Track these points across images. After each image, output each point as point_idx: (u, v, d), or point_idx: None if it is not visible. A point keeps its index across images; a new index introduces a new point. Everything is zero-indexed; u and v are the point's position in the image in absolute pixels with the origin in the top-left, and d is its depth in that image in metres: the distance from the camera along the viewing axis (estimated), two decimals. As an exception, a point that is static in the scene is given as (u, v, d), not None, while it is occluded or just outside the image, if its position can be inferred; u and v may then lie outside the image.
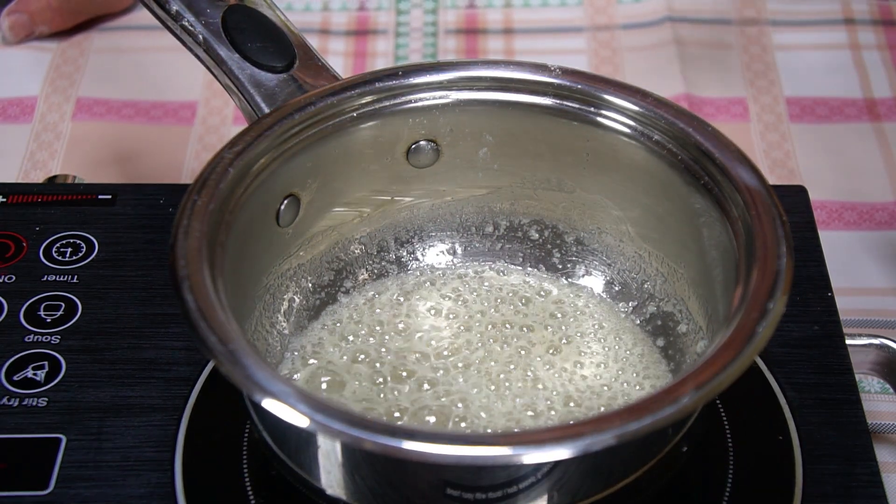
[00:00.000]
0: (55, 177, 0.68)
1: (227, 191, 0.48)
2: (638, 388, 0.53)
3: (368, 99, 0.53)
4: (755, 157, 0.75)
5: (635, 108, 0.53)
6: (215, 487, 0.52)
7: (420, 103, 0.54)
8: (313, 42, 0.76)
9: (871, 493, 0.51)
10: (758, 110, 0.78)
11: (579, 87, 0.53)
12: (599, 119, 0.53)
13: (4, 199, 0.63)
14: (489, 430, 0.50)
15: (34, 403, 0.54)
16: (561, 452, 0.41)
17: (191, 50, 0.56)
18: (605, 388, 0.53)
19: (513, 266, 0.58)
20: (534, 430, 0.45)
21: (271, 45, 0.55)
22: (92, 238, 0.61)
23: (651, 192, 0.54)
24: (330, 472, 0.46)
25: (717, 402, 0.54)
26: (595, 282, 0.57)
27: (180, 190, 0.64)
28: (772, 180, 0.73)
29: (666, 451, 0.47)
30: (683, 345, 0.54)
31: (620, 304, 0.56)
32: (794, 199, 0.63)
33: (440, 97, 0.54)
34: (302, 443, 0.47)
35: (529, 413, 0.51)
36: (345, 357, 0.54)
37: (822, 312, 0.58)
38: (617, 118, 0.53)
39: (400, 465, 0.44)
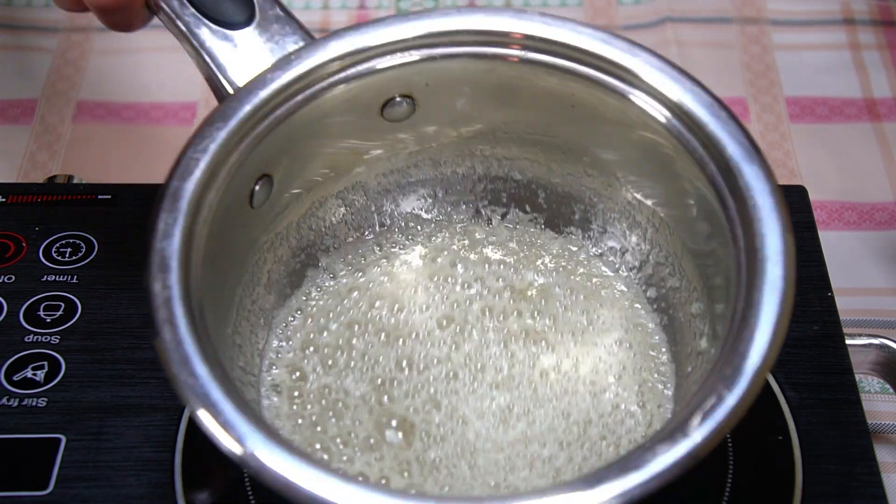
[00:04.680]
0: (55, 177, 0.68)
1: (197, 195, 0.46)
2: (628, 347, 0.53)
3: (337, 65, 0.50)
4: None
5: (621, 62, 0.50)
6: (215, 487, 0.52)
7: (394, 61, 0.51)
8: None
9: (871, 493, 0.51)
10: (758, 110, 0.78)
11: (565, 40, 0.51)
12: (593, 74, 0.51)
13: (4, 199, 0.63)
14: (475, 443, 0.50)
15: (34, 403, 0.54)
16: None
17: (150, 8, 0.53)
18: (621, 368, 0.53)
19: (498, 208, 0.58)
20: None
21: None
22: (92, 238, 0.61)
23: (639, 145, 0.52)
24: None
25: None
26: (579, 229, 0.57)
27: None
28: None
29: None
30: (676, 300, 0.53)
31: (612, 258, 0.56)
32: (794, 199, 0.63)
33: (414, 54, 0.51)
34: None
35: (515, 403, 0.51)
36: (334, 326, 0.54)
37: (822, 312, 0.58)
38: (629, 91, 0.50)
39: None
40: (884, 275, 0.68)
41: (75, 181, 0.67)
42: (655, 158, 0.51)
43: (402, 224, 0.58)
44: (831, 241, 0.67)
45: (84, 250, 0.60)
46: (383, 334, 0.54)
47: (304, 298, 0.55)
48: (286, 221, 0.54)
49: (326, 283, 0.56)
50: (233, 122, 0.48)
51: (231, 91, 0.50)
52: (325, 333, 0.54)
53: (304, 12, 0.85)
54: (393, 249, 0.57)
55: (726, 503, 0.51)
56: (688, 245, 0.52)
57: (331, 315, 0.55)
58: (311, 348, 0.53)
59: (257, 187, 0.50)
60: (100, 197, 0.63)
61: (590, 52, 0.50)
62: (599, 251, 0.57)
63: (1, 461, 0.52)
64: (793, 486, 0.51)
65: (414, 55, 0.51)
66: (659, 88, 0.49)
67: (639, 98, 0.50)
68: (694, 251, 0.52)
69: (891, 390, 0.59)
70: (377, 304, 0.55)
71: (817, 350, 0.56)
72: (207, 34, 0.51)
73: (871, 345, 0.58)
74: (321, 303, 0.55)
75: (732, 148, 0.48)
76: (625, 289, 0.55)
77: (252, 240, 0.52)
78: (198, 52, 0.51)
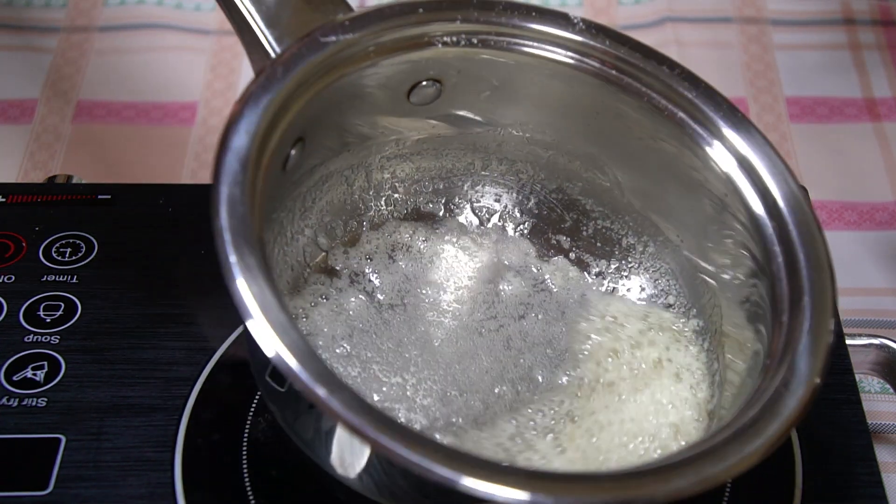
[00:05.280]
0: (55, 177, 0.68)
1: (254, 157, 0.45)
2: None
3: (384, 38, 0.50)
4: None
5: (663, 78, 0.52)
6: (215, 487, 0.52)
7: (434, 43, 0.51)
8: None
9: (871, 493, 0.51)
10: (758, 110, 0.78)
11: (599, 45, 0.52)
12: (626, 81, 0.52)
13: (4, 199, 0.63)
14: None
15: (34, 403, 0.54)
16: None
17: None
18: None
19: (504, 192, 0.58)
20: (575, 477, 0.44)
21: None
22: (92, 238, 0.61)
23: (657, 163, 0.53)
24: (356, 473, 0.46)
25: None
26: (597, 234, 0.57)
27: (180, 190, 0.64)
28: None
29: None
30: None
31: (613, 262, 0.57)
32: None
33: (456, 39, 0.52)
34: (317, 427, 0.46)
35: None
36: (364, 302, 0.54)
37: (823, 312, 0.58)
38: (642, 89, 0.52)
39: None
40: (884, 275, 0.68)
41: (75, 181, 0.67)
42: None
43: (402, 208, 0.58)
44: (831, 241, 0.67)
45: (84, 250, 0.60)
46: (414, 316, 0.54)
47: (332, 280, 0.55)
48: (312, 198, 0.54)
49: (353, 265, 0.56)
50: (279, 87, 0.47)
51: (273, 55, 0.49)
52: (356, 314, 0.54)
53: (304, 12, 0.85)
54: (407, 232, 0.57)
55: (726, 503, 0.51)
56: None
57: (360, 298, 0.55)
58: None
59: (293, 151, 0.50)
60: (100, 197, 0.63)
61: (651, 72, 0.52)
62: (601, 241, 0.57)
63: (1, 461, 0.52)
64: (793, 486, 0.51)
65: (454, 39, 0.52)
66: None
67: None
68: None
69: (891, 390, 0.59)
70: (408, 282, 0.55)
71: (817, 350, 0.56)
72: None
73: (871, 345, 0.58)
74: (351, 286, 0.55)
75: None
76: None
77: (280, 199, 0.52)
78: (242, 15, 0.50)
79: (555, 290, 0.56)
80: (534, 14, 0.52)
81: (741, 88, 0.79)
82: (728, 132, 0.51)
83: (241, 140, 0.45)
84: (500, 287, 0.56)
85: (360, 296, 0.54)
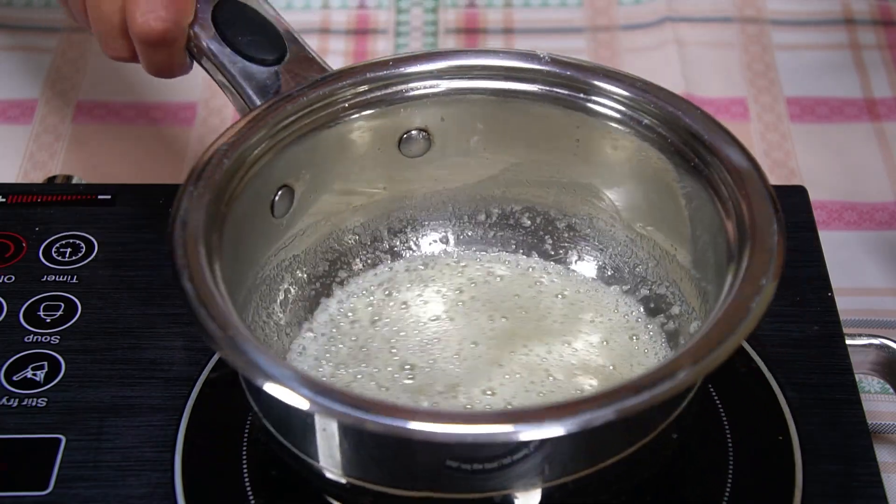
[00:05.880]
0: (55, 177, 0.68)
1: (222, 182, 0.49)
2: (639, 366, 0.53)
3: (361, 89, 0.54)
4: (755, 157, 0.74)
5: (625, 93, 0.53)
6: (215, 487, 0.52)
7: (412, 93, 0.54)
8: (313, 41, 0.76)
9: (871, 493, 0.51)
10: (758, 110, 0.78)
11: (568, 73, 0.54)
12: (589, 105, 0.54)
13: (4, 199, 0.63)
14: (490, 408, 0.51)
15: (34, 403, 0.54)
16: (558, 429, 0.41)
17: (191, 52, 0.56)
18: (609, 367, 0.53)
19: (506, 254, 0.58)
20: (533, 407, 0.45)
21: (262, 38, 0.55)
22: (92, 238, 0.61)
23: (642, 176, 0.54)
24: (330, 454, 0.46)
25: (718, 402, 0.54)
26: (587, 267, 0.57)
27: (180, 190, 0.64)
28: (772, 180, 0.73)
29: (658, 431, 0.47)
30: (678, 325, 0.54)
31: (613, 288, 0.57)
32: (794, 199, 0.63)
33: (431, 86, 0.54)
34: (303, 425, 0.47)
35: (535, 393, 0.52)
36: (343, 350, 0.54)
37: (822, 312, 0.58)
38: (607, 104, 0.53)
39: (397, 444, 0.45)
40: (884, 275, 0.68)
41: (75, 181, 0.67)
42: (657, 184, 0.53)
43: (415, 262, 0.58)
44: (831, 241, 0.67)
45: (84, 250, 0.60)
46: (398, 362, 0.54)
47: (317, 322, 0.56)
48: (304, 246, 0.55)
49: (338, 315, 0.56)
50: (260, 124, 0.51)
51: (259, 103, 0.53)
52: (337, 359, 0.54)
53: (304, 12, 0.85)
54: (404, 285, 0.57)
55: (726, 503, 0.51)
56: (688, 269, 0.53)
57: (341, 342, 0.55)
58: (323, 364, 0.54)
59: (277, 197, 0.53)
60: (100, 197, 0.63)
61: (593, 84, 0.53)
62: (603, 281, 0.57)
63: (1, 461, 0.52)
64: (793, 486, 0.51)
65: (431, 89, 0.55)
66: (664, 114, 0.52)
67: (641, 126, 0.53)
68: (690, 272, 0.53)
69: (891, 390, 0.59)
70: (388, 334, 0.55)
71: (817, 350, 0.56)
72: (241, 69, 0.54)
73: (871, 345, 0.58)
74: (333, 330, 0.55)
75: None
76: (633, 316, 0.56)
77: (271, 253, 0.54)
78: (231, 85, 0.54)
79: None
80: (502, 54, 0.55)
81: (741, 88, 0.79)
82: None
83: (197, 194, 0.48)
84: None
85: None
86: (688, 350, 0.43)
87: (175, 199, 0.48)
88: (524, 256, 0.58)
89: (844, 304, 0.59)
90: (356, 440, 0.46)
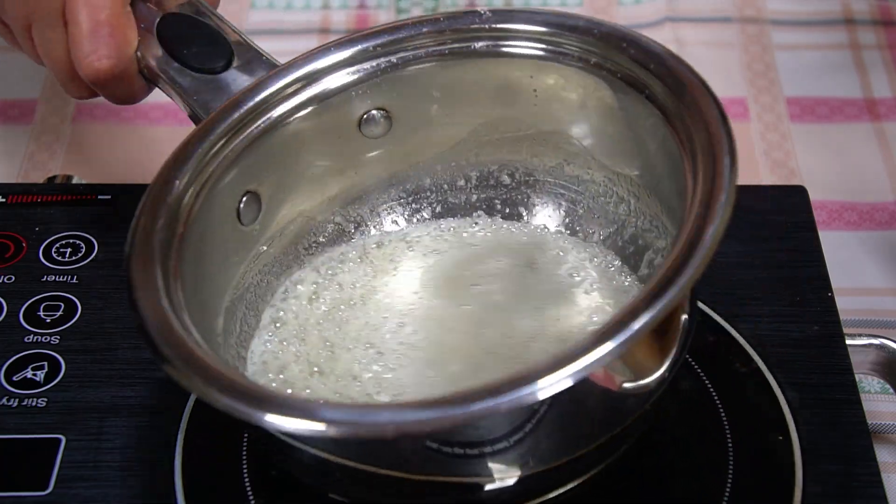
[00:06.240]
0: (55, 177, 0.68)
1: (175, 202, 0.48)
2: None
3: (307, 80, 0.53)
4: (755, 157, 0.75)
5: (569, 35, 0.52)
6: (215, 487, 0.52)
7: (360, 75, 0.54)
8: (313, 41, 0.75)
9: (871, 493, 0.51)
10: (758, 110, 0.78)
11: (512, 26, 0.53)
12: (536, 52, 0.53)
13: (4, 199, 0.63)
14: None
15: (34, 404, 0.54)
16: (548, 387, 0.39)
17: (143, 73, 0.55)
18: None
19: (489, 217, 0.58)
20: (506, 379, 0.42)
21: (207, 47, 0.54)
22: (92, 238, 0.61)
23: (601, 113, 0.54)
24: (307, 467, 0.46)
25: (718, 402, 0.54)
26: (571, 216, 0.57)
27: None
28: (772, 180, 0.73)
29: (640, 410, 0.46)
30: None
31: (602, 232, 0.56)
32: (794, 199, 0.63)
33: (378, 65, 0.54)
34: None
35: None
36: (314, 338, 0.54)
37: (822, 312, 0.58)
38: (551, 48, 0.53)
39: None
40: (884, 275, 0.68)
41: (75, 181, 0.67)
42: (618, 119, 0.53)
43: (393, 241, 0.58)
44: (831, 241, 0.67)
45: (84, 250, 0.60)
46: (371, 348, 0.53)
47: (291, 314, 0.55)
48: (283, 245, 0.55)
49: (310, 302, 0.56)
50: (210, 137, 0.51)
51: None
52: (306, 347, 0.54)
53: (304, 12, 0.85)
54: (384, 266, 0.57)
55: (726, 503, 0.51)
56: (665, 201, 0.53)
57: (311, 329, 0.54)
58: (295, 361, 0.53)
59: (242, 205, 0.52)
60: (100, 197, 0.63)
61: (536, 30, 0.53)
62: (585, 224, 0.57)
63: (1, 461, 0.52)
64: (793, 486, 0.51)
65: (379, 67, 0.54)
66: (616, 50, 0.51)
67: (590, 64, 0.52)
68: (666, 204, 0.52)
69: (891, 390, 0.59)
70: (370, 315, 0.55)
71: (817, 350, 0.56)
72: (190, 81, 0.53)
73: (871, 345, 0.58)
74: (304, 317, 0.55)
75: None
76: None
77: (249, 260, 0.53)
78: (184, 98, 0.53)
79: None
80: (441, 19, 0.54)
81: (741, 88, 0.79)
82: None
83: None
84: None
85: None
86: (665, 271, 0.42)
87: (128, 233, 0.47)
88: (510, 216, 0.58)
89: (844, 304, 0.59)
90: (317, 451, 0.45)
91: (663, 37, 0.82)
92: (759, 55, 0.82)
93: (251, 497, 0.51)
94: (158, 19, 0.55)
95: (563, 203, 0.57)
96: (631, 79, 0.51)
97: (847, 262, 0.68)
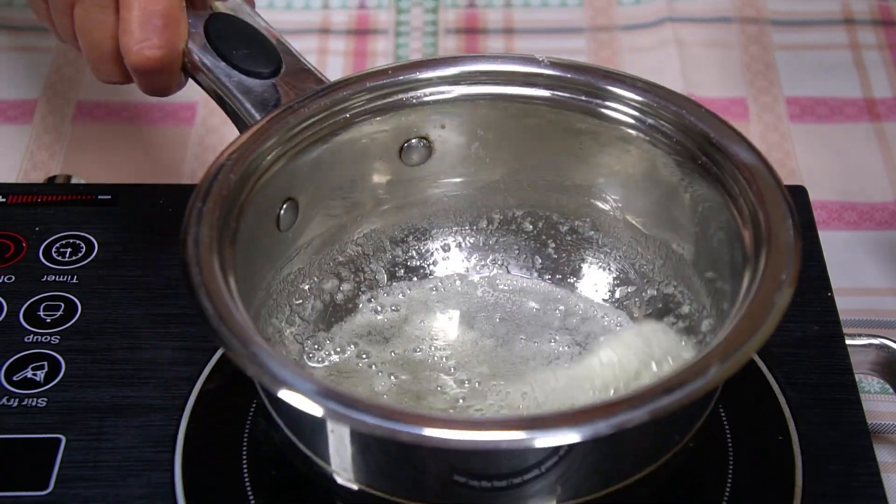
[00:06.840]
0: (55, 177, 0.68)
1: (230, 196, 0.48)
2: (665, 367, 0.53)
3: (361, 99, 0.53)
4: (755, 157, 0.75)
5: (628, 94, 0.53)
6: (215, 487, 0.52)
7: (412, 101, 0.54)
8: (313, 41, 0.75)
9: (871, 493, 0.51)
10: (758, 110, 0.78)
11: (569, 76, 0.54)
12: (591, 107, 0.53)
13: (4, 199, 0.63)
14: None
15: (34, 403, 0.54)
16: (574, 436, 0.41)
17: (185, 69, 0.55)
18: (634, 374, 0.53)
19: (510, 259, 0.58)
20: (553, 413, 0.45)
21: (256, 51, 0.54)
22: (92, 238, 0.61)
23: (647, 176, 0.54)
24: (344, 459, 0.46)
25: (718, 402, 0.54)
26: (591, 272, 0.57)
27: (180, 190, 0.65)
28: (772, 180, 0.73)
29: (679, 444, 0.47)
30: (689, 324, 0.54)
31: (619, 290, 0.56)
32: (794, 200, 0.63)
33: (431, 94, 0.54)
34: (320, 431, 0.46)
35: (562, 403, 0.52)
36: (353, 361, 0.54)
37: (822, 312, 0.58)
38: (610, 105, 0.53)
39: (412, 452, 0.44)
40: (884, 275, 0.68)
41: (75, 181, 0.67)
42: (663, 184, 0.53)
43: (417, 269, 0.58)
44: (831, 241, 0.67)
45: (84, 250, 0.60)
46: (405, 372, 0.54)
47: (325, 337, 0.56)
48: (308, 257, 0.55)
49: (346, 325, 0.56)
50: (263, 138, 0.51)
51: (258, 117, 0.53)
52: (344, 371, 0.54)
53: (304, 12, 0.85)
54: (409, 296, 0.57)
55: (726, 503, 0.51)
56: (698, 267, 0.53)
57: (349, 350, 0.55)
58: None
59: (282, 210, 0.52)
60: (100, 197, 0.63)
61: (595, 86, 0.53)
62: (608, 285, 0.57)
63: (1, 461, 0.52)
64: (793, 486, 0.51)
65: (431, 96, 0.54)
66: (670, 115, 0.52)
67: (645, 127, 0.53)
68: (700, 270, 0.53)
69: (891, 390, 0.59)
70: (394, 346, 0.55)
71: (817, 350, 0.56)
72: (238, 83, 0.53)
73: (871, 345, 0.58)
74: (339, 343, 0.55)
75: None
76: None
77: (278, 267, 0.54)
78: (228, 99, 0.53)
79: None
80: (501, 59, 0.55)
81: (741, 88, 0.79)
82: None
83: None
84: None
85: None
86: (715, 348, 0.43)
87: (184, 216, 0.47)
88: (528, 266, 0.58)
89: (844, 304, 0.59)
90: (367, 446, 0.45)
91: (663, 37, 0.82)
92: (759, 55, 0.82)
93: (251, 497, 0.51)
94: (207, 17, 0.55)
95: (587, 258, 0.58)
96: (687, 148, 0.52)
97: (847, 261, 0.68)
